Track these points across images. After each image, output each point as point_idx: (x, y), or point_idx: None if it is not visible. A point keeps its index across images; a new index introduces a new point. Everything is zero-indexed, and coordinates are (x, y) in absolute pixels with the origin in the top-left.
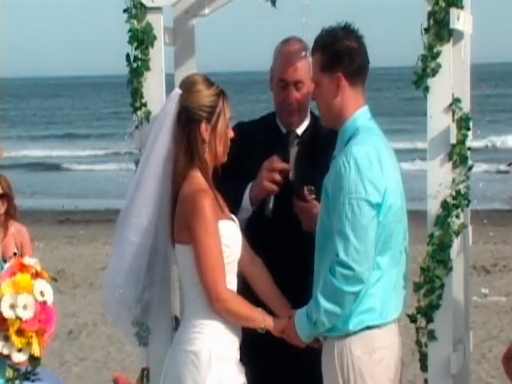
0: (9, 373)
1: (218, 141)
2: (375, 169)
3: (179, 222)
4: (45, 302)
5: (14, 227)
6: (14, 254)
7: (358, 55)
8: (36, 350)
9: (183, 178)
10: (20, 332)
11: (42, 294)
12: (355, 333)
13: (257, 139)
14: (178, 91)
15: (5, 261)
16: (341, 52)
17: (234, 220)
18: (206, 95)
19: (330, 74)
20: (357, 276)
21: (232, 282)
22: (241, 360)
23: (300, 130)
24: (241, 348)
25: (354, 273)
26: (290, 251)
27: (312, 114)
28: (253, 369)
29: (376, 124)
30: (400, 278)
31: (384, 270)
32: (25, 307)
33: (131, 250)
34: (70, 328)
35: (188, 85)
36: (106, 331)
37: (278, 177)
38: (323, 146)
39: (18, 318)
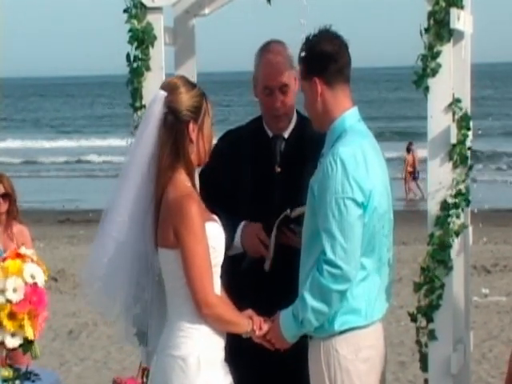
0: (9, 373)
1: (204, 140)
2: (361, 170)
3: (164, 227)
4: (35, 284)
5: (16, 228)
6: None
7: (332, 58)
8: (29, 333)
9: (168, 181)
10: (12, 315)
11: (32, 276)
12: (341, 333)
13: (244, 144)
14: (163, 93)
15: None
16: (313, 58)
17: (216, 221)
18: (191, 96)
19: (308, 80)
20: (344, 275)
21: (217, 284)
22: (225, 359)
23: (286, 133)
24: (225, 348)
25: (342, 271)
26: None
27: (298, 112)
28: (238, 368)
29: (365, 126)
30: (384, 286)
31: (369, 270)
32: (14, 290)
33: (112, 245)
34: (71, 328)
35: (172, 87)
36: (107, 331)
37: (263, 249)
38: (310, 144)
39: (9, 301)
